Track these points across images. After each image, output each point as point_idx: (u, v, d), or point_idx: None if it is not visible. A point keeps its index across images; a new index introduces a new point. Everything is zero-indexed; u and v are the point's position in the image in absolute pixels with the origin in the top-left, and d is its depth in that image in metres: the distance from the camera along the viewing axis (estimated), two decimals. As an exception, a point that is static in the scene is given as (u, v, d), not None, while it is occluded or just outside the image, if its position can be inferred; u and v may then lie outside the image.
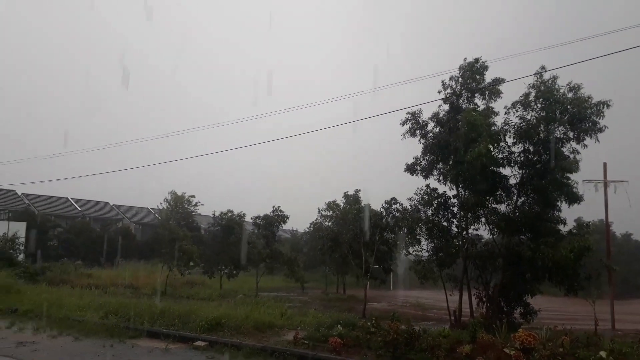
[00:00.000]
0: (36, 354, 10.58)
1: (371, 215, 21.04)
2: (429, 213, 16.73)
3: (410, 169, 16.67)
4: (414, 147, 16.72)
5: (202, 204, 47.47)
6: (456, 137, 14.88)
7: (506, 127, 14.93)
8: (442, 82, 16.42)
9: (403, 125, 16.56)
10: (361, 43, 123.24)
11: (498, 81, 15.70)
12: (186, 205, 47.66)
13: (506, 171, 15.25)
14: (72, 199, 55.98)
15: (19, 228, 36.30)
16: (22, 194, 52.15)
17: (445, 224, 16.55)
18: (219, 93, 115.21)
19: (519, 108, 14.74)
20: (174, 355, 10.93)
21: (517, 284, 14.75)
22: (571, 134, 14.14)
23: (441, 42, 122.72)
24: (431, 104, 16.68)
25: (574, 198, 14.14)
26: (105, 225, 49.99)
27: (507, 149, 15.11)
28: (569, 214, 14.96)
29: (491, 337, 10.34)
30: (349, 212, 24.02)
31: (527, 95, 14.65)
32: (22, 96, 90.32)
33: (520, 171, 14.94)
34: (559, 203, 14.44)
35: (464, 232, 16.37)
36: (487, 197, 15.21)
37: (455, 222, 16.60)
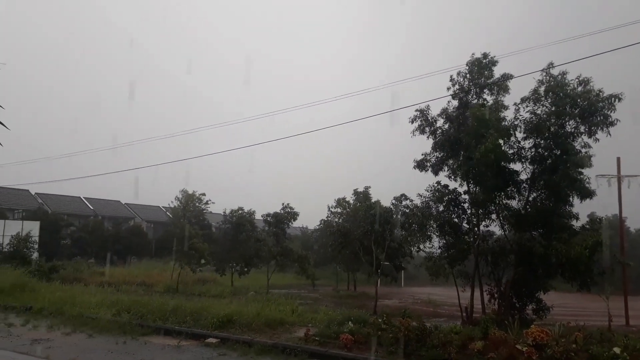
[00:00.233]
0: (51, 351, 10.70)
1: (381, 211, 20.99)
2: (440, 209, 16.65)
3: (420, 165, 16.61)
4: (423, 143, 16.70)
5: (213, 202, 47.68)
6: (465, 133, 14.79)
7: (516, 122, 14.80)
8: (451, 77, 16.34)
9: (412, 122, 16.52)
10: (367, 41, 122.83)
11: (506, 77, 15.59)
12: (197, 204, 47.88)
13: (517, 166, 15.14)
14: (84, 198, 56.55)
15: (33, 227, 36.71)
16: (35, 193, 52.79)
17: (456, 220, 16.48)
18: (228, 91, 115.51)
19: (529, 103, 14.60)
20: (186, 352, 11.00)
21: (529, 280, 14.64)
22: (582, 128, 13.98)
23: (449, 39, 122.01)
24: (440, 100, 16.57)
25: (586, 193, 13.97)
26: (118, 224, 50.44)
27: (518, 144, 14.99)
28: (582, 209, 14.83)
29: (503, 333, 10.28)
30: (359, 209, 24.00)
31: (536, 90, 14.50)
32: (32, 96, 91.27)
33: (531, 166, 14.80)
34: (570, 198, 14.28)
35: (475, 228, 16.27)
36: (498, 193, 15.09)
37: (466, 219, 16.51)
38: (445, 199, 16.38)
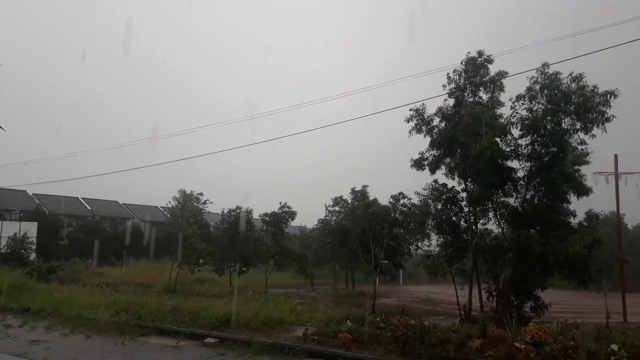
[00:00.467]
0: (49, 352, 10.68)
1: (379, 210, 21.00)
2: (438, 207, 16.67)
3: (417, 164, 16.62)
4: (420, 142, 16.68)
5: (211, 202, 47.62)
6: (461, 131, 14.80)
7: (513, 120, 14.82)
8: (447, 75, 16.37)
9: (408, 122, 16.53)
10: (362, 39, 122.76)
11: (502, 74, 15.62)
12: (195, 203, 47.84)
13: (514, 164, 15.16)
14: (82, 198, 56.43)
15: (30, 228, 36.62)
16: (32, 194, 52.64)
17: (454, 218, 16.50)
18: (228, 88, 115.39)
19: (525, 101, 14.62)
20: (185, 352, 11.00)
21: (527, 278, 14.66)
22: (578, 125, 13.99)
23: (445, 38, 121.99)
24: (439, 98, 16.59)
25: (583, 190, 14.00)
26: (116, 224, 50.35)
27: (514, 142, 15.01)
28: (581, 207, 14.84)
29: (501, 331, 10.31)
30: (357, 207, 24.00)
31: (531, 88, 14.53)
32: (29, 96, 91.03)
33: (528, 164, 14.82)
34: (568, 196, 14.31)
35: (473, 227, 16.30)
36: (496, 191, 15.12)
37: (464, 217, 16.53)
38: (443, 197, 16.41)
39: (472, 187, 15.66)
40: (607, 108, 13.55)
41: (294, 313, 15.02)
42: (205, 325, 12.94)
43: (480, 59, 15.91)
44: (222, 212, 31.13)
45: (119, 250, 43.81)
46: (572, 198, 14.33)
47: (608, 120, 13.61)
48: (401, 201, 20.68)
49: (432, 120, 16.42)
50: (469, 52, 16.14)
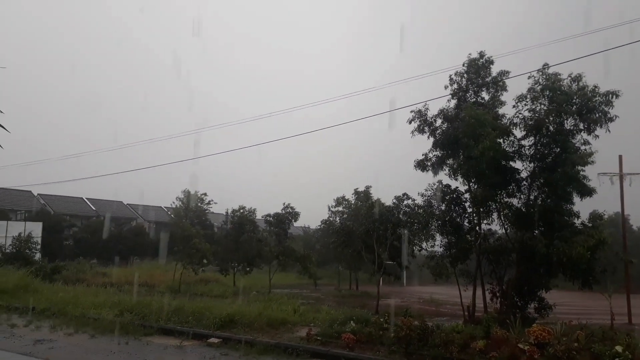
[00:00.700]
0: (53, 351, 10.74)
1: (383, 210, 20.99)
2: (442, 208, 16.65)
3: (420, 165, 16.60)
4: (423, 143, 16.66)
5: (215, 203, 47.78)
6: (463, 133, 14.76)
7: (515, 121, 14.81)
8: (450, 77, 16.38)
9: (410, 123, 16.52)
10: (364, 40, 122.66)
11: (503, 74, 15.63)
12: (199, 204, 48.02)
13: (517, 165, 15.13)
14: (86, 198, 56.65)
15: (35, 228, 36.81)
16: (37, 194, 52.90)
17: (457, 219, 16.47)
18: (231, 90, 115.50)
19: (527, 101, 14.60)
20: (188, 352, 11.03)
21: (530, 279, 14.61)
22: (581, 125, 13.95)
23: (447, 38, 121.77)
24: (441, 100, 16.59)
25: (586, 191, 13.93)
26: (120, 224, 50.51)
27: (517, 143, 14.98)
28: (586, 207, 14.78)
29: (505, 332, 10.28)
30: (360, 208, 24.00)
31: (532, 89, 14.51)
32: (34, 97, 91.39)
33: (531, 164, 14.79)
34: (571, 196, 14.26)
35: (477, 227, 16.27)
36: (499, 192, 15.09)
37: (467, 217, 16.50)
38: (446, 198, 16.39)
39: (475, 188, 15.64)
40: (609, 108, 13.50)
41: (298, 313, 15.01)
42: (209, 325, 12.95)
43: (481, 60, 15.96)
44: (226, 212, 31.26)
45: (123, 250, 43.95)
46: (576, 199, 14.29)
47: (611, 120, 13.56)
48: (405, 202, 20.68)
49: (434, 121, 16.41)
50: (470, 54, 16.17)
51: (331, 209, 34.76)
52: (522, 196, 15.08)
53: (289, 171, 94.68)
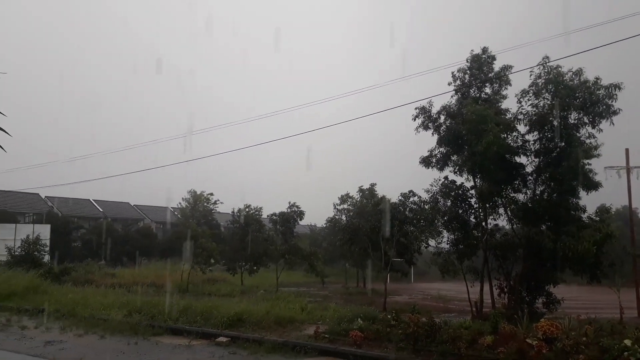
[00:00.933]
0: (63, 352, 10.83)
1: (389, 207, 20.98)
2: (448, 204, 16.64)
3: (425, 161, 16.58)
4: (427, 140, 16.64)
5: (222, 202, 47.91)
6: (466, 129, 14.73)
7: (519, 117, 14.76)
8: (452, 73, 16.35)
9: (414, 120, 16.50)
10: (364, 40, 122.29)
11: (506, 69, 15.59)
12: (205, 204, 48.19)
13: (522, 160, 15.09)
14: (93, 200, 56.97)
15: (43, 230, 37.04)
16: (45, 197, 53.28)
17: (464, 215, 16.45)
18: (233, 87, 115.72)
19: (530, 96, 14.55)
20: (197, 352, 11.10)
21: (538, 274, 14.57)
22: (585, 119, 13.89)
23: (451, 34, 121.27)
24: (446, 96, 16.55)
25: (592, 185, 13.87)
26: (127, 226, 50.78)
27: (521, 138, 14.93)
28: (593, 202, 14.71)
29: (513, 327, 10.27)
30: (365, 205, 24.00)
31: (534, 83, 14.45)
32: (39, 100, 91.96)
33: (536, 159, 14.74)
34: (577, 190, 14.21)
35: (483, 223, 16.24)
36: (505, 187, 15.06)
37: (474, 213, 16.48)
38: (452, 194, 16.37)
39: (481, 183, 15.61)
40: (612, 101, 13.43)
41: (305, 312, 15.07)
42: (217, 324, 13.02)
43: (484, 56, 15.93)
44: (233, 211, 31.32)
45: (131, 251, 44.20)
46: (583, 193, 14.24)
47: (615, 113, 13.49)
48: (411, 199, 20.66)
49: (438, 117, 16.38)
50: (472, 50, 16.14)
51: (336, 206, 34.77)
52: (527, 191, 15.03)
53: (294, 170, 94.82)
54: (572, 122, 14.04)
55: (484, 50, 15.97)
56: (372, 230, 21.70)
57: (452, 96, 16.44)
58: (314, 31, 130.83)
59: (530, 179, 14.96)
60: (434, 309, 18.42)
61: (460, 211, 16.43)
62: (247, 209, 30.08)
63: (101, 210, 56.08)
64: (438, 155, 16.44)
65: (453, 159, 16.21)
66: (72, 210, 52.15)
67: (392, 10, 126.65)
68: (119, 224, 51.16)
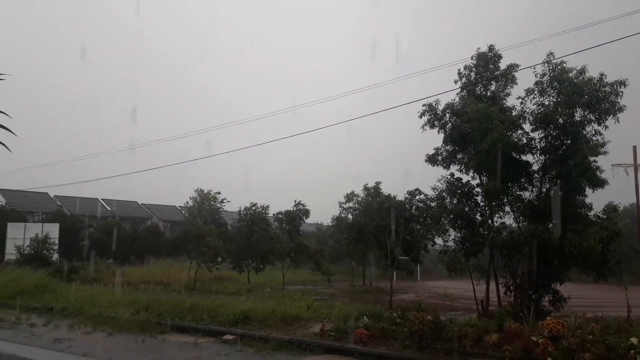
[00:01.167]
0: (72, 349, 10.95)
1: (395, 205, 21.00)
2: (454, 202, 16.61)
3: (431, 159, 16.52)
4: (433, 138, 16.59)
5: (229, 201, 47.98)
6: (470, 128, 14.69)
7: (525, 115, 14.71)
8: (458, 71, 16.28)
9: (421, 117, 16.42)
10: (372, 34, 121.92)
11: (512, 67, 15.53)
12: (212, 202, 48.30)
13: (528, 158, 15.03)
14: (101, 199, 57.34)
15: (52, 229, 37.35)
16: (54, 196, 53.71)
17: (470, 213, 16.42)
18: (238, 86, 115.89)
19: (535, 94, 14.49)
20: (204, 349, 11.18)
21: (544, 272, 14.51)
22: (591, 116, 13.82)
23: (457, 31, 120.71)
24: (449, 94, 16.48)
25: (598, 182, 13.79)
26: (135, 224, 51.08)
27: (527, 136, 14.88)
28: (601, 199, 14.63)
29: (519, 325, 10.26)
30: (371, 204, 24.03)
31: (539, 81, 14.39)
32: (46, 99, 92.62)
33: (543, 157, 14.68)
34: (583, 188, 14.15)
35: (489, 221, 16.21)
36: (511, 185, 15.01)
37: (480, 211, 16.44)
38: (458, 191, 16.34)
39: (487, 181, 15.57)
40: (618, 98, 13.36)
41: (311, 309, 15.12)
42: (224, 322, 13.11)
43: (490, 54, 15.84)
44: (239, 210, 31.45)
45: (139, 249, 44.47)
46: (590, 191, 14.17)
47: (620, 110, 13.42)
48: (417, 197, 20.66)
49: (444, 115, 16.32)
50: (479, 48, 16.05)
51: (342, 205, 34.78)
52: (534, 189, 14.98)
53: (301, 168, 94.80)
54: (578, 119, 13.97)
55: (491, 48, 15.89)
56: (378, 229, 21.74)
57: (457, 94, 16.40)
58: (314, 32, 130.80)
59: (536, 177, 14.90)
60: (440, 307, 18.39)
61: (467, 209, 16.38)
62: (253, 208, 30.20)
63: (109, 209, 56.43)
64: (444, 154, 16.39)
65: (459, 157, 16.15)
66: (80, 210, 52.51)
67: (394, 10, 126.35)
68: (127, 223, 51.46)
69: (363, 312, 13.29)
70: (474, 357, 9.58)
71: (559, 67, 14.11)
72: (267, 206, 30.23)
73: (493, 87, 16.01)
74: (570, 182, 13.91)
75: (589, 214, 14.40)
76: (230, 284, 27.61)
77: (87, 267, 29.74)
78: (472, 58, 16.08)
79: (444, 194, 16.89)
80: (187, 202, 50.84)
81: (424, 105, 16.37)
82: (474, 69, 16.11)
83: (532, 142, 14.81)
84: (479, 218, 16.51)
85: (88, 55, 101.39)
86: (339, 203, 34.78)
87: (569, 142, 13.97)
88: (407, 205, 20.95)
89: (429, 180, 17.39)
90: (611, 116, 13.56)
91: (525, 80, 15.36)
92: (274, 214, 29.24)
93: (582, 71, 13.88)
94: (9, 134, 4.66)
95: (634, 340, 8.71)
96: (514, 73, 15.62)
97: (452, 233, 17.20)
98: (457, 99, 16.23)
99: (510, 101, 15.75)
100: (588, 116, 13.86)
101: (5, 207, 47.34)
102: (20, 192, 50.32)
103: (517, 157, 14.85)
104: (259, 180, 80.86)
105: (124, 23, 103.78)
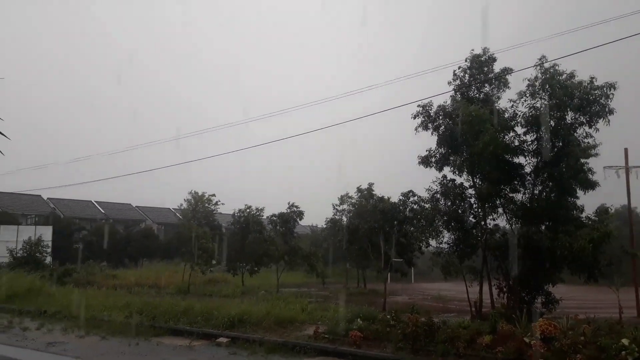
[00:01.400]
0: (65, 353, 10.92)
1: (389, 208, 21.03)
2: (448, 204, 16.66)
3: (424, 161, 16.54)
4: (426, 140, 16.62)
5: (223, 203, 47.82)
6: (462, 131, 14.76)
7: (517, 119, 14.81)
8: (454, 72, 16.34)
9: (414, 118, 16.44)
10: (368, 35, 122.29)
11: (506, 71, 15.61)
12: (206, 205, 48.14)
13: (521, 160, 15.12)
14: (95, 201, 57.09)
15: (45, 232, 37.17)
16: (47, 198, 53.43)
17: (463, 215, 16.47)
18: (241, 89, 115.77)
19: (527, 97, 14.60)
20: (198, 352, 11.18)
21: (537, 274, 14.61)
22: (582, 119, 13.95)
23: (454, 33, 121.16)
24: (442, 96, 16.51)
25: (589, 184, 13.91)
26: (129, 227, 50.87)
27: (519, 138, 14.98)
28: (593, 201, 14.73)
29: (511, 327, 10.34)
30: (364, 205, 24.05)
31: (531, 85, 14.49)
32: (36, 103, 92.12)
33: (534, 159, 14.79)
34: (575, 190, 14.26)
35: (482, 223, 16.29)
36: (503, 187, 15.10)
37: (473, 213, 16.51)
38: (451, 193, 16.39)
39: (480, 183, 15.66)
40: (608, 100, 13.48)
41: (305, 312, 15.14)
42: (218, 325, 13.11)
43: (484, 57, 15.90)
44: (234, 212, 31.38)
45: (133, 252, 44.31)
46: (581, 193, 14.29)
47: (611, 112, 13.55)
48: (411, 199, 20.69)
49: (437, 117, 16.37)
50: (472, 50, 16.12)
51: (336, 207, 34.75)
52: (526, 191, 15.07)
53: (296, 170, 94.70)
54: (569, 121, 14.08)
55: (485, 50, 15.95)
56: (371, 231, 21.74)
57: (451, 96, 16.44)
58: (315, 32, 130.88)
59: (528, 179, 15.00)
60: (434, 309, 18.47)
61: (460, 211, 16.43)
62: (247, 210, 30.14)
63: (103, 211, 56.20)
64: (437, 156, 16.43)
65: (452, 159, 16.20)
66: (74, 212, 52.29)
67: (396, 8, 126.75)
68: (121, 225, 51.26)
69: (357, 314, 13.32)
70: (467, 358, 9.64)
71: (551, 70, 14.23)
72: (262, 208, 30.19)
73: (487, 89, 16.10)
74: (562, 184, 14.01)
75: (580, 215, 14.51)
76: (224, 286, 27.56)
77: (80, 270, 29.60)
78: (466, 60, 16.14)
79: (437, 196, 16.93)
80: (181, 205, 50.67)
81: (419, 106, 16.42)
82: (467, 71, 16.17)
83: (524, 144, 14.90)
84: (473, 220, 16.58)
85: (82, 58, 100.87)
86: (333, 205, 34.71)
87: (561, 144, 14.08)
88: (400, 207, 20.97)
89: (424, 182, 17.42)
90: (602, 119, 13.68)
91: (518, 82, 15.47)
92: (267, 217, 29.20)
93: (572, 75, 14.01)
94: (2, 137, 4.66)
95: (625, 341, 8.80)
96: (507, 77, 15.71)
97: (446, 235, 17.25)
98: (449, 101, 16.28)
99: (503, 103, 15.87)
100: (579, 118, 13.98)
101: (-3, 209, 47.05)
102: (13, 194, 50.02)
103: (510, 159, 14.95)
104: (253, 182, 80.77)
105: (125, 26, 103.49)
